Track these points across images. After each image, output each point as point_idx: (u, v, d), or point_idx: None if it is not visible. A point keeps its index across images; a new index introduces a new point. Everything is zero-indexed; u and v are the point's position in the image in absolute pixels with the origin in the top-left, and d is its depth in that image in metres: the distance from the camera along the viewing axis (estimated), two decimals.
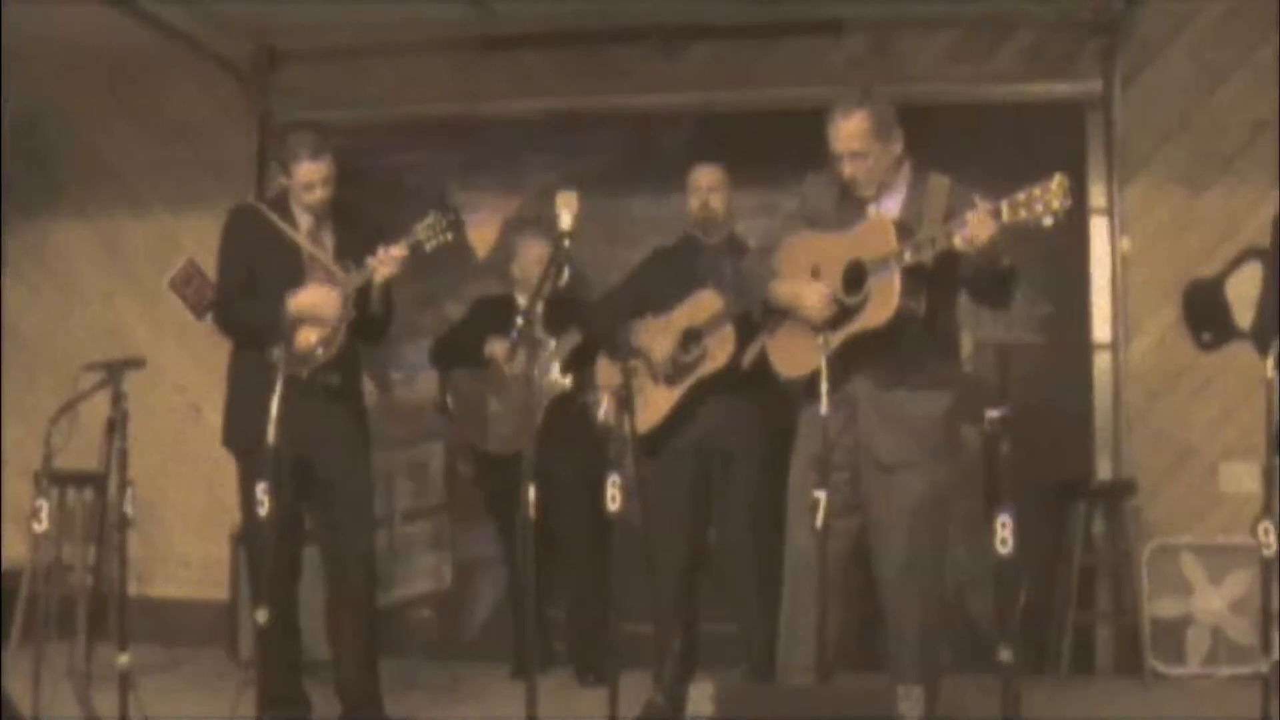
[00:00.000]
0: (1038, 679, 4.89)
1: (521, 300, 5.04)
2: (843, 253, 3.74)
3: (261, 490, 3.65)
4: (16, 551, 5.51)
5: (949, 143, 4.78)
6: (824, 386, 3.47)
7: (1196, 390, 5.29)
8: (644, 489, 4.12)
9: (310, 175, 4.15)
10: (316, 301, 4.13)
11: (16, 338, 6.14)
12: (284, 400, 3.68)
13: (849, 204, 3.82)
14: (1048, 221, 3.33)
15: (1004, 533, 3.18)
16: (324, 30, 5.64)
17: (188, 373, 5.90)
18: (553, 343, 5.08)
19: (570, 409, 4.99)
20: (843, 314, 3.71)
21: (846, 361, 3.67)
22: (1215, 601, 5.20)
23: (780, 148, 5.03)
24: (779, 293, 3.90)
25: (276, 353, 3.88)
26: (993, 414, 3.37)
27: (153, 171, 6.08)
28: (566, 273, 3.62)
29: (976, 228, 3.41)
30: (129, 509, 3.75)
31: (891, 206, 3.76)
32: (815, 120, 3.81)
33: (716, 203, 4.65)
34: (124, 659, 3.72)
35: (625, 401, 3.91)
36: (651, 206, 5.53)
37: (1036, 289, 5.23)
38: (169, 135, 6.04)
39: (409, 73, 5.87)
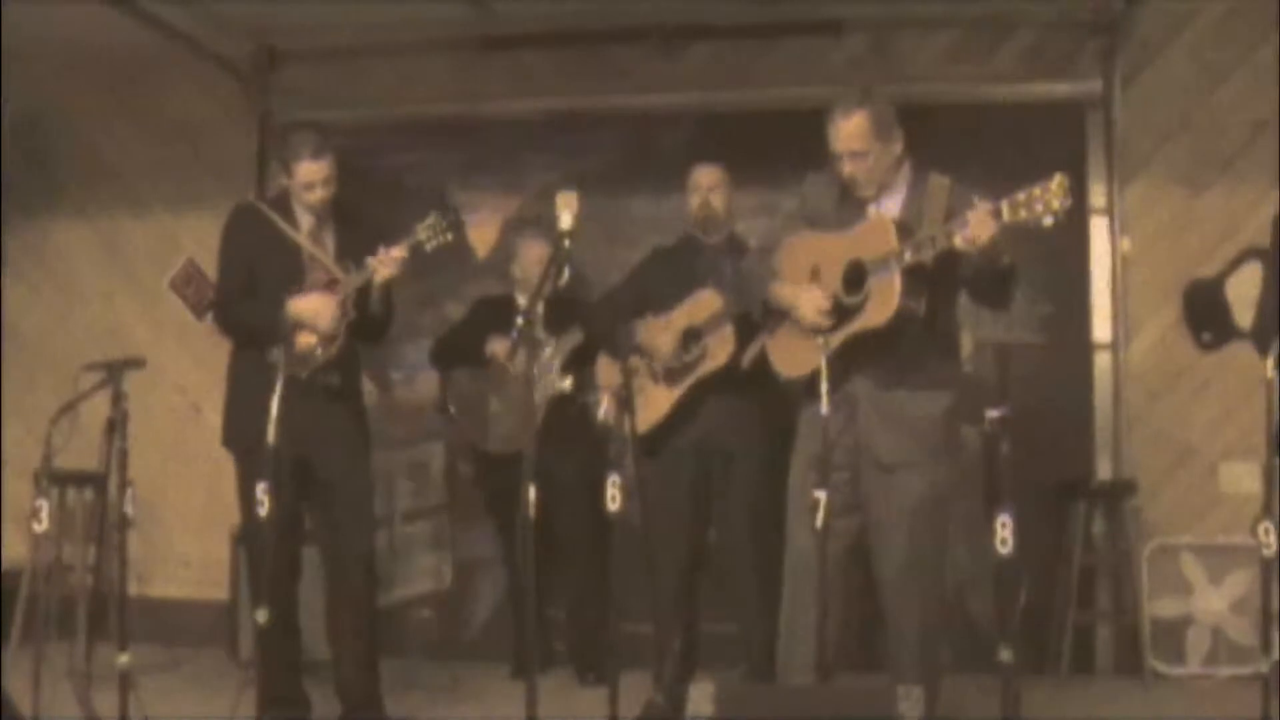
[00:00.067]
0: (1038, 679, 4.89)
1: (522, 300, 5.04)
2: (843, 253, 3.74)
3: (261, 490, 3.65)
4: (16, 551, 5.50)
5: (949, 143, 4.77)
6: (824, 387, 3.47)
7: (1196, 390, 5.29)
8: (644, 489, 4.11)
9: (311, 175, 4.15)
10: (316, 310, 4.12)
11: (16, 338, 6.14)
12: (284, 400, 3.68)
13: (849, 204, 3.82)
14: (1048, 221, 3.33)
15: (1004, 533, 3.18)
16: (324, 30, 5.64)
17: (188, 373, 5.90)
18: (553, 342, 5.08)
19: (570, 409, 4.98)
20: (843, 314, 3.71)
21: (847, 361, 3.67)
22: (1215, 602, 5.20)
23: (780, 148, 5.03)
24: (778, 294, 3.90)
25: (276, 352, 3.89)
26: (993, 414, 3.37)
27: (153, 171, 6.08)
28: (567, 273, 3.62)
29: (977, 228, 3.40)
30: (129, 509, 3.75)
31: (892, 206, 3.76)
32: (815, 120, 3.81)
33: (717, 202, 4.65)
34: (124, 659, 3.72)
35: (625, 401, 3.91)
36: (651, 206, 5.53)
37: (1036, 289, 5.23)
38: (169, 135, 6.04)
39: (409, 73, 5.87)
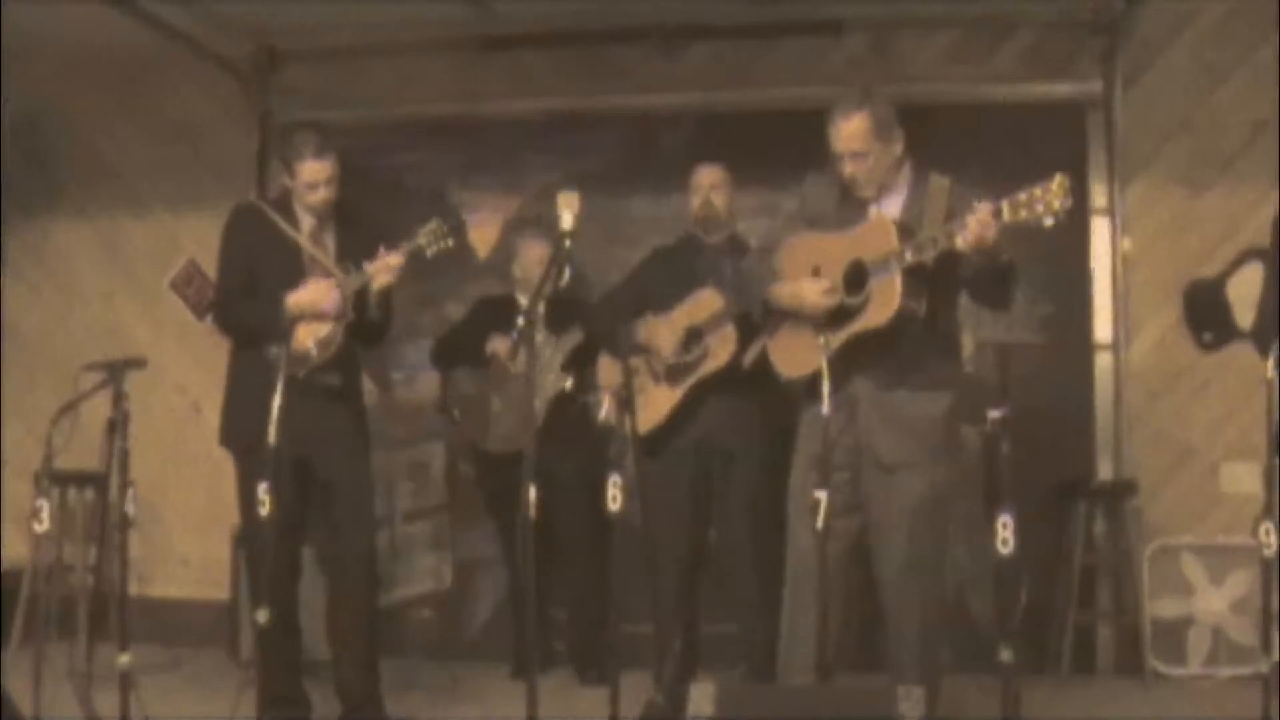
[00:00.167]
0: (1038, 679, 4.89)
1: (522, 300, 5.04)
2: (843, 253, 3.74)
3: (262, 490, 3.65)
4: (17, 551, 5.50)
5: (949, 143, 4.78)
6: (825, 387, 3.47)
7: (1197, 390, 5.29)
8: (644, 489, 4.11)
9: (314, 175, 4.14)
10: (315, 297, 4.13)
11: (16, 338, 6.14)
12: (284, 400, 3.68)
13: (850, 204, 3.82)
14: (1049, 222, 3.33)
15: (1005, 533, 3.18)
16: (324, 30, 5.64)
17: (188, 373, 5.89)
18: (554, 342, 5.08)
19: (571, 409, 4.99)
20: (844, 314, 3.71)
21: (847, 362, 3.67)
22: (1216, 602, 5.19)
23: (780, 148, 5.03)
24: (779, 294, 3.89)
25: (275, 351, 3.88)
26: (993, 414, 3.37)
27: (153, 171, 6.07)
28: (567, 273, 3.63)
29: (977, 228, 3.40)
30: (130, 509, 3.75)
31: (892, 207, 3.76)
32: (815, 120, 3.82)
33: (719, 202, 4.65)
34: (124, 659, 3.71)
35: (626, 401, 3.91)
36: (652, 206, 5.53)
37: (1037, 289, 5.23)
38: (169, 135, 6.03)
39: (409, 73, 5.86)
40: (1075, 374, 5.32)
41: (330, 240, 4.27)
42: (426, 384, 5.60)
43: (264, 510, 3.66)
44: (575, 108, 5.70)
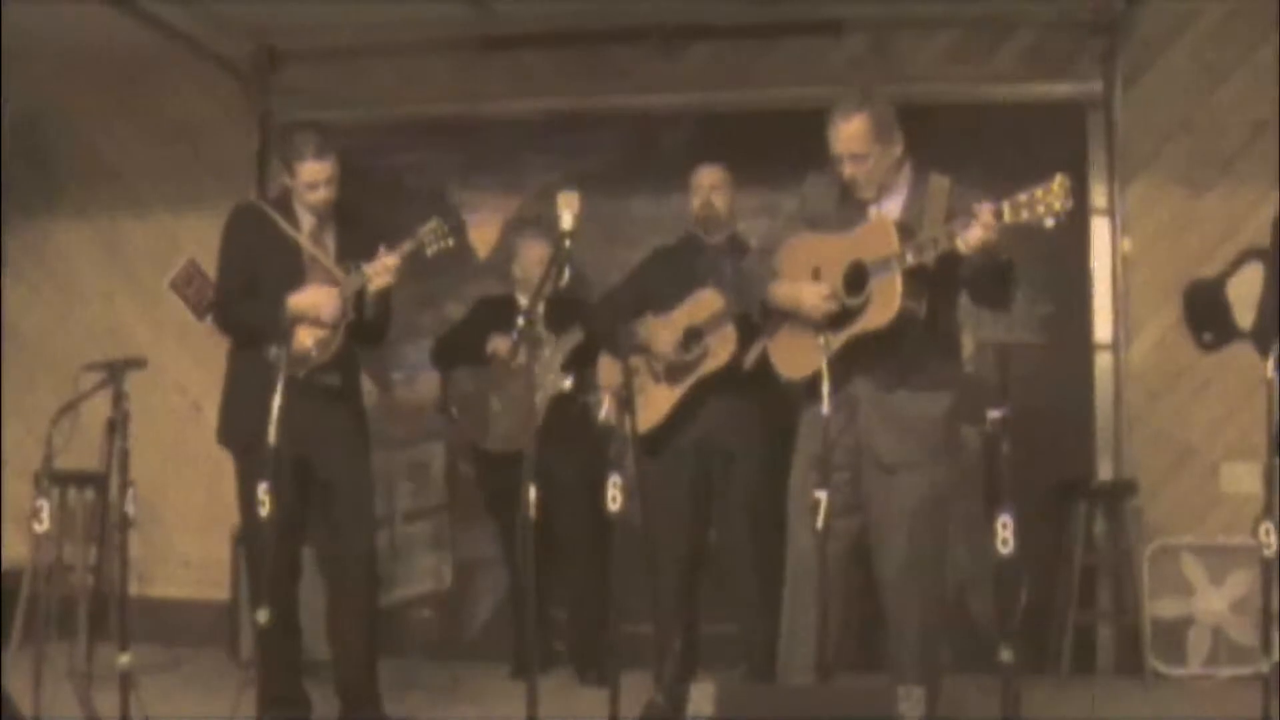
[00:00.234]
0: (1038, 679, 4.89)
1: (523, 300, 5.04)
2: (844, 254, 3.74)
3: (262, 490, 3.65)
4: (17, 551, 5.50)
5: (949, 143, 4.77)
6: (826, 388, 3.46)
7: (1197, 390, 5.29)
8: (644, 489, 4.11)
9: (314, 175, 4.14)
10: (316, 301, 4.13)
11: (16, 338, 6.14)
12: (284, 400, 3.68)
13: (850, 205, 3.82)
14: (1049, 222, 3.33)
15: (1004, 533, 3.18)
16: (324, 30, 5.64)
17: (188, 373, 5.89)
18: (554, 342, 5.08)
19: (571, 409, 4.99)
20: (844, 315, 3.71)
21: (848, 363, 3.67)
22: (1216, 602, 5.19)
23: (780, 148, 5.02)
24: (779, 294, 3.89)
25: (275, 351, 3.88)
26: (993, 414, 3.37)
27: (153, 171, 6.07)
28: (567, 273, 3.62)
29: (978, 229, 3.40)
30: (130, 509, 3.75)
31: (892, 207, 3.76)
32: (815, 120, 3.81)
33: (719, 202, 4.66)
34: (124, 659, 3.72)
35: (626, 401, 3.91)
36: (652, 206, 5.53)
37: (1037, 289, 5.23)
38: (169, 135, 6.03)
39: (409, 73, 5.86)
40: (1075, 374, 5.32)
41: (330, 240, 4.27)
42: (426, 384, 5.61)
43: (264, 510, 3.66)
44: (575, 108, 5.70)
